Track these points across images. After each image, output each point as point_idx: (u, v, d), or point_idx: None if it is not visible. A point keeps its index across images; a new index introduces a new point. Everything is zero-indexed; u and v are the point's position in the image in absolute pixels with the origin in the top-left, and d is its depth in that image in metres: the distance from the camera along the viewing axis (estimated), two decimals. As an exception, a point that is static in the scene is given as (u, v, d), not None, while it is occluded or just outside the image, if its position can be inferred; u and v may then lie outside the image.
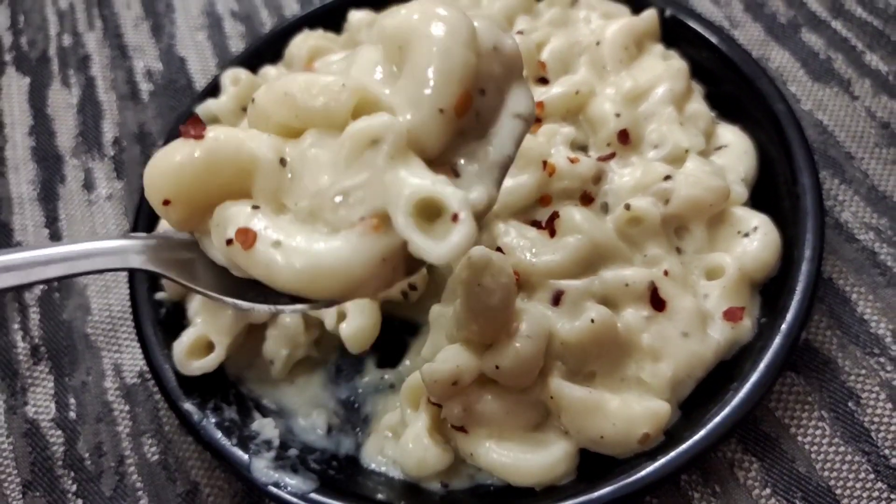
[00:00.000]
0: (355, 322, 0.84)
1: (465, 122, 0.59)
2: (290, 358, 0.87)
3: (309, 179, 0.58)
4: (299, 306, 0.60)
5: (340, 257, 0.55)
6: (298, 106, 0.60)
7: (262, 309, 0.63)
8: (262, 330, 0.87)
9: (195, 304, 0.87)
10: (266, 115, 0.63)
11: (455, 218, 0.53)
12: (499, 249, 0.79)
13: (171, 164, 0.60)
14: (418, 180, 0.54)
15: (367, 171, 0.56)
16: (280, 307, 0.61)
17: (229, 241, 0.58)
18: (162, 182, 0.60)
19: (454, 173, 0.59)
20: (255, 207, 0.59)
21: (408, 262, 0.57)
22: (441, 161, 0.59)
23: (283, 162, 0.60)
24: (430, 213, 0.55)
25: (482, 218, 0.58)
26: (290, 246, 0.56)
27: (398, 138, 0.55)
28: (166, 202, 0.60)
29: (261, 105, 0.63)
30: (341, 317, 0.85)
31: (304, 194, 0.58)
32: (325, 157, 0.58)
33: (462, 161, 0.60)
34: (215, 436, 0.80)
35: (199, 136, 0.60)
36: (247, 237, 0.57)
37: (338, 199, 0.56)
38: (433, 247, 0.53)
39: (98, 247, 0.67)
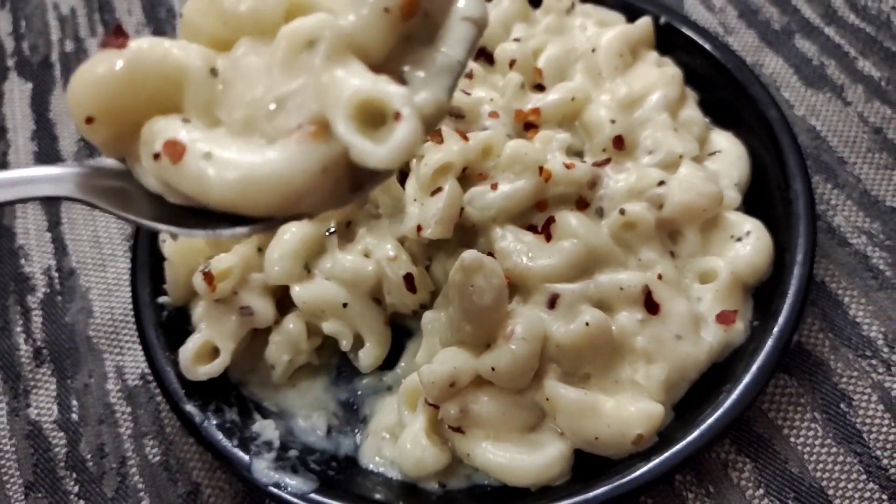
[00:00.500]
0: (374, 352, 0.87)
1: (412, 25, 0.55)
2: (292, 364, 0.88)
3: (242, 89, 0.55)
4: (239, 230, 0.56)
5: (277, 168, 0.51)
6: (226, 12, 0.56)
7: (198, 234, 0.59)
8: (265, 335, 0.88)
9: (199, 311, 0.88)
10: (195, 28, 0.58)
11: (397, 116, 0.49)
12: (490, 254, 0.81)
13: (92, 77, 0.55)
14: (358, 80, 0.51)
15: (303, 76, 0.52)
16: (219, 231, 0.57)
17: (156, 156, 0.54)
18: (84, 97, 0.55)
19: (401, 81, 0.54)
20: (186, 120, 0.55)
21: (353, 174, 0.53)
22: (386, 69, 0.54)
23: (213, 72, 0.56)
24: (373, 119, 0.51)
25: (432, 126, 0.55)
26: (222, 157, 0.52)
27: (336, 36, 0.52)
28: (89, 119, 0.55)
29: (188, 18, 0.58)
30: (358, 341, 0.87)
31: (237, 105, 0.55)
32: (259, 65, 0.55)
33: (408, 67, 0.56)
34: (216, 437, 0.81)
35: (122, 46, 0.55)
36: (175, 149, 0.53)
37: (272, 107, 0.52)
38: (374, 149, 0.49)
39: (27, 175, 0.63)
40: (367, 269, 0.86)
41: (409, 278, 0.86)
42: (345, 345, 0.87)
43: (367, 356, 0.87)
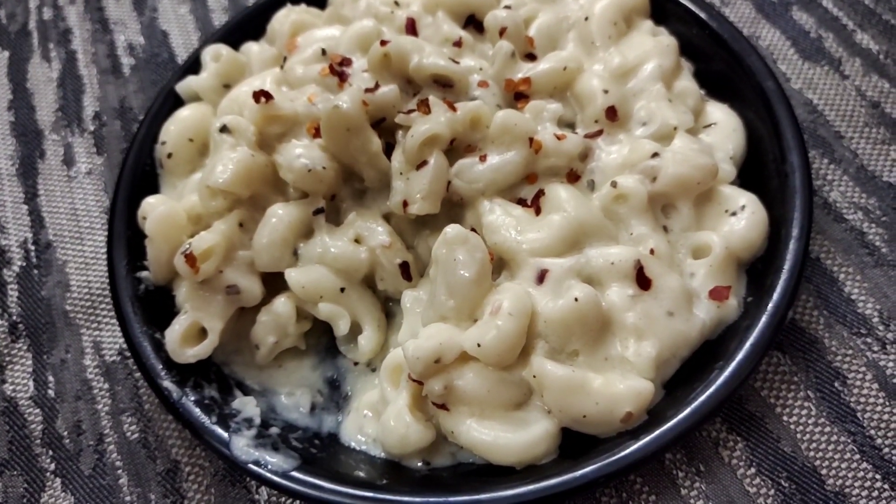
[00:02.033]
0: (375, 337, 0.85)
1: None
2: (277, 346, 0.86)
3: None
4: None
5: None
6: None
7: None
8: (252, 314, 0.86)
9: (183, 291, 0.85)
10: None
11: None
12: (473, 230, 0.80)
13: None
14: None
15: None
16: None
17: None
18: None
19: None
20: None
21: None
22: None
23: None
24: None
25: None
26: None
27: None
28: None
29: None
30: (356, 327, 0.85)
31: None
32: None
33: None
34: (194, 413, 0.79)
35: None
36: None
37: None
38: None
39: None
40: (360, 258, 0.84)
41: (404, 266, 0.84)
42: (342, 328, 0.84)
43: (368, 342, 0.85)
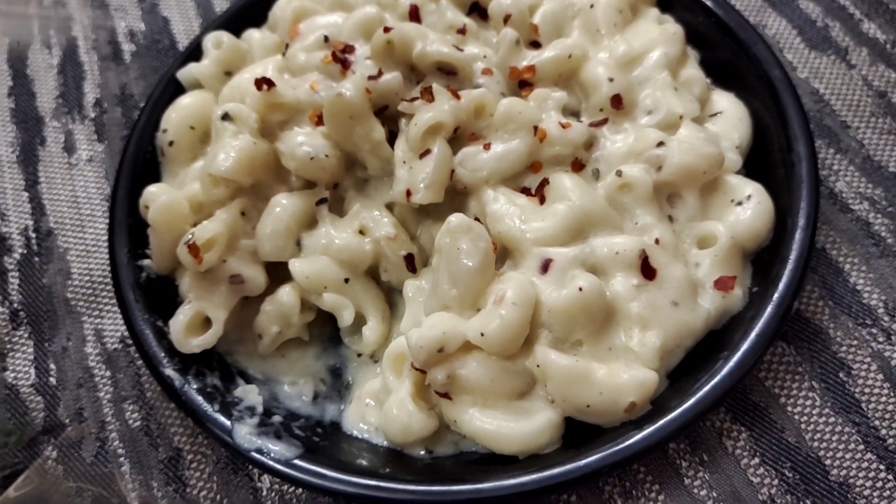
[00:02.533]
0: (379, 328, 0.84)
1: None
2: (280, 336, 0.86)
3: None
4: None
5: None
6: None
7: None
8: (256, 303, 0.86)
9: (187, 280, 0.85)
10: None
11: None
12: (476, 219, 0.79)
13: None
14: None
15: None
16: None
17: None
18: None
19: None
20: None
21: None
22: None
23: None
24: None
25: None
26: None
27: None
28: None
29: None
30: (359, 318, 0.84)
31: None
32: None
33: None
34: (197, 401, 0.79)
35: None
36: None
37: None
38: None
39: None
40: (364, 250, 0.84)
41: (409, 258, 0.84)
42: (346, 318, 0.84)
43: (373, 333, 0.84)
